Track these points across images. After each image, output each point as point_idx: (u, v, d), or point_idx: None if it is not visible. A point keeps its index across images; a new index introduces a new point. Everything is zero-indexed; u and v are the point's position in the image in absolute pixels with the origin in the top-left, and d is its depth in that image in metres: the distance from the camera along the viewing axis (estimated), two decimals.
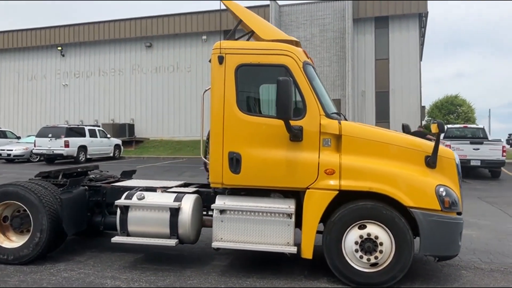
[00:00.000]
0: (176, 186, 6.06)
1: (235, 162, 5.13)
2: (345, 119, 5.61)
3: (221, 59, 5.22)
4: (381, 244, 4.86)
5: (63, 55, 35.79)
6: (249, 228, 5.12)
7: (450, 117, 26.64)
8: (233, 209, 5.16)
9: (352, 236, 4.93)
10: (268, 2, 28.84)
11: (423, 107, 30.33)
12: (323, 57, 28.22)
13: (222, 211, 5.18)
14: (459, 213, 5.05)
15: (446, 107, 27.64)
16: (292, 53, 5.16)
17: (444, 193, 4.87)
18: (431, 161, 5.05)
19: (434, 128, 5.00)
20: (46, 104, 36.22)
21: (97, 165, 7.34)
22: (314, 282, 5.11)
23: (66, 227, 5.56)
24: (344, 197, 5.01)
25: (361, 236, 4.90)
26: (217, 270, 5.47)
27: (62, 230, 5.61)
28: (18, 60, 37.22)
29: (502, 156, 15.72)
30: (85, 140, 23.08)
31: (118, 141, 26.66)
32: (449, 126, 18.77)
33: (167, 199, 5.42)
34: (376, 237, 4.87)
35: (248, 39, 6.27)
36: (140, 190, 5.66)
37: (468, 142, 15.91)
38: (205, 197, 5.74)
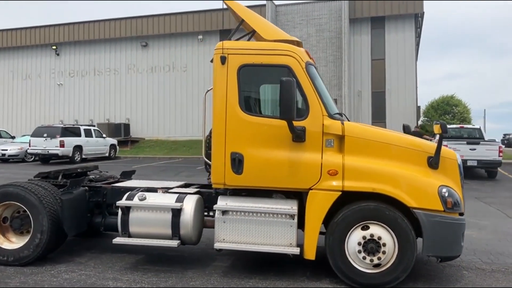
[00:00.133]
0: (177, 187, 6.02)
1: (237, 162, 5.10)
2: (347, 120, 5.61)
3: (223, 59, 5.20)
4: (384, 245, 4.86)
5: (57, 54, 35.60)
6: (252, 229, 5.10)
7: (446, 117, 26.75)
8: (235, 210, 5.14)
9: (355, 237, 4.92)
10: (264, 2, 28.83)
11: (418, 107, 30.44)
12: (320, 57, 28.25)
13: (224, 212, 5.16)
14: (461, 214, 5.05)
15: (442, 108, 27.75)
16: (294, 54, 5.15)
17: (446, 194, 4.87)
18: (433, 162, 5.05)
19: (437, 129, 5.00)
20: (41, 103, 36.01)
21: (96, 165, 7.29)
22: (316, 283, 5.10)
23: (67, 228, 5.52)
24: (346, 198, 5.00)
25: (364, 237, 4.89)
26: (219, 271, 5.44)
27: (63, 231, 5.57)
28: (12, 59, 36.98)
29: (499, 156, 15.80)
30: (81, 140, 22.96)
31: (113, 141, 26.55)
32: None
33: (169, 200, 5.39)
34: (379, 238, 4.86)
35: (248, 39, 6.25)
36: (141, 191, 5.62)
37: (465, 142, 15.97)
38: (206, 198, 5.71)
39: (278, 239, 5.07)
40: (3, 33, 36.70)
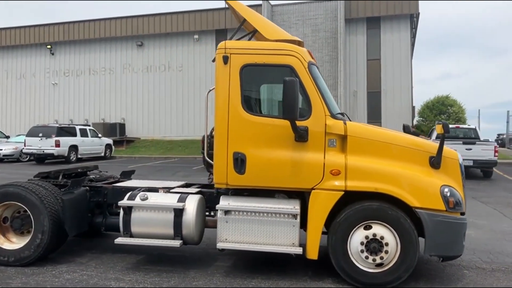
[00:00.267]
0: (178, 187, 6.01)
1: (240, 162, 5.10)
2: (349, 119, 5.62)
3: (226, 59, 5.19)
4: (386, 244, 4.88)
5: (52, 54, 35.39)
6: (254, 228, 5.10)
7: (441, 117, 26.84)
8: (238, 209, 5.13)
9: (358, 237, 4.94)
10: (260, 2, 28.82)
11: (413, 107, 30.52)
12: (315, 57, 27.96)
13: (226, 212, 5.15)
14: (462, 213, 5.08)
15: (437, 108, 27.85)
16: (297, 53, 5.15)
17: (448, 194, 4.89)
18: (435, 162, 5.08)
19: (439, 129, 5.02)
20: (35, 103, 35.79)
21: (96, 165, 7.26)
22: (319, 282, 5.11)
23: (68, 228, 5.50)
24: (348, 198, 5.01)
25: (366, 237, 4.91)
26: (221, 271, 5.44)
27: (63, 231, 5.54)
28: (6, 59, 36.70)
29: (494, 156, 15.89)
30: (76, 140, 22.86)
31: (109, 140, 26.45)
32: None
33: (171, 200, 5.38)
34: (382, 238, 4.88)
35: (249, 39, 6.25)
36: (143, 191, 5.61)
37: (461, 142, 16.03)
38: (208, 198, 5.71)
39: (281, 239, 5.07)
40: None
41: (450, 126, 20.24)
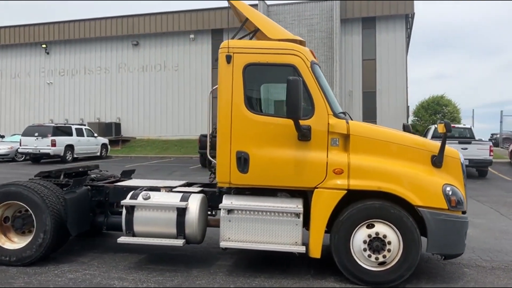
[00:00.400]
0: (180, 186, 6.01)
1: (243, 161, 5.11)
2: (351, 119, 5.64)
3: (228, 58, 5.19)
4: (389, 243, 4.91)
5: (47, 53, 35.21)
6: (257, 227, 5.11)
7: (436, 117, 26.98)
8: (241, 208, 5.14)
9: (361, 235, 4.96)
10: (256, 2, 28.82)
11: (407, 107, 30.65)
12: None
13: (229, 211, 5.16)
14: (463, 212, 5.13)
15: (432, 107, 27.99)
16: (300, 53, 5.17)
17: (450, 192, 4.93)
18: (437, 161, 5.11)
19: (441, 128, 5.06)
20: (30, 102, 35.60)
21: (97, 164, 7.25)
22: (322, 281, 5.13)
23: (71, 227, 5.49)
24: (350, 197, 5.03)
25: (369, 235, 4.93)
26: (224, 270, 5.45)
27: (65, 230, 5.53)
28: (0, 58, 36.49)
29: (490, 155, 15.99)
30: (72, 139, 22.76)
31: (105, 140, 26.36)
32: (436, 126, 18.99)
33: (174, 199, 5.38)
34: (385, 236, 4.91)
35: (250, 39, 6.27)
36: (145, 190, 5.60)
37: (457, 142, 16.11)
38: (210, 197, 5.71)
39: (284, 238, 5.08)
40: None
41: None
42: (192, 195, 5.46)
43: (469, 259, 6.11)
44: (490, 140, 24.17)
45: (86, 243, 6.59)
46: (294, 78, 4.72)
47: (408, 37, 32.30)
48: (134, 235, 5.34)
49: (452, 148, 5.35)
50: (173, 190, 5.72)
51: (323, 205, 5.01)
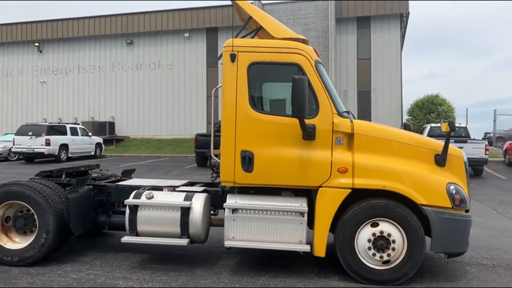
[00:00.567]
0: (182, 185, 5.99)
1: (247, 160, 5.10)
2: (354, 117, 5.65)
3: (233, 57, 5.18)
4: (393, 241, 4.93)
5: (40, 51, 34.90)
6: (262, 227, 5.10)
7: (431, 116, 27.14)
8: (245, 208, 5.13)
9: (365, 234, 4.98)
10: (251, 1, 28.81)
11: (401, 106, 30.77)
12: None
13: (234, 210, 5.15)
14: (467, 211, 5.16)
15: (427, 107, 28.13)
16: (304, 52, 5.17)
17: (454, 191, 4.96)
18: (441, 160, 5.14)
19: (444, 127, 5.08)
20: (23, 101, 35.26)
21: (98, 163, 7.20)
22: (326, 280, 5.14)
23: (73, 227, 5.45)
24: (355, 195, 5.04)
25: (374, 234, 4.95)
26: (228, 269, 5.44)
27: (68, 230, 5.50)
28: None
29: (485, 154, 16.10)
30: (67, 139, 22.60)
31: (99, 139, 26.21)
32: (432, 125, 19.10)
33: (177, 198, 5.36)
34: (389, 235, 4.92)
35: (252, 38, 6.25)
36: (147, 189, 5.58)
37: (453, 140, 16.12)
38: (213, 196, 5.70)
39: (288, 237, 5.08)
40: None
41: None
42: (196, 194, 5.44)
43: (470, 257, 6.15)
44: (483, 139, 24.33)
45: (87, 242, 6.55)
46: (300, 77, 4.72)
47: (403, 36, 32.44)
48: (137, 234, 5.32)
49: (455, 147, 5.38)
50: (176, 189, 5.69)
51: (328, 204, 5.01)
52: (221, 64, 5.35)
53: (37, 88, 35.05)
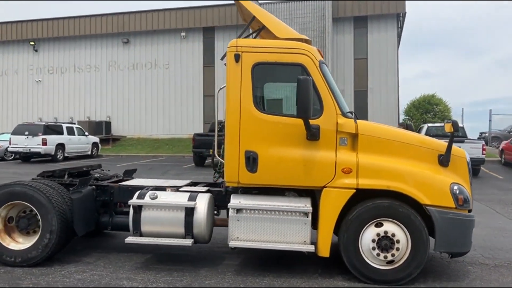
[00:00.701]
0: (185, 185, 5.98)
1: (251, 161, 5.10)
2: (357, 118, 5.66)
3: (237, 57, 5.17)
4: (397, 241, 4.94)
5: (36, 50, 34.69)
6: (266, 227, 5.11)
7: (427, 115, 27.25)
8: (249, 208, 5.14)
9: (369, 234, 4.99)
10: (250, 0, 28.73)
11: (398, 106, 30.87)
12: None
13: (238, 210, 5.15)
14: (469, 211, 5.19)
15: (424, 106, 28.24)
16: (309, 52, 5.17)
17: (457, 191, 4.99)
18: (444, 160, 5.17)
19: (448, 127, 5.11)
20: (18, 100, 35.03)
21: (100, 163, 7.19)
22: (330, 280, 5.15)
23: (77, 227, 5.44)
24: (358, 196, 5.06)
25: (378, 234, 4.97)
26: (231, 270, 5.44)
27: (71, 230, 5.49)
28: None
29: (482, 154, 16.17)
30: (63, 138, 22.49)
31: (95, 139, 26.11)
32: (429, 124, 19.18)
33: (181, 199, 5.36)
34: (393, 235, 4.94)
35: (254, 38, 6.26)
36: (151, 190, 5.57)
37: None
38: (216, 196, 5.70)
39: (293, 237, 5.09)
40: None
41: (439, 124, 20.55)
42: (200, 194, 5.44)
43: (472, 257, 6.18)
44: (479, 138, 24.45)
45: (88, 243, 6.53)
46: (305, 78, 4.73)
47: (399, 36, 32.53)
48: (141, 235, 5.31)
49: (458, 147, 5.41)
50: (180, 189, 5.69)
51: (332, 204, 5.03)
52: (225, 64, 5.35)
53: (32, 87, 34.83)
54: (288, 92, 5.56)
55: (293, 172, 5.09)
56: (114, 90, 33.41)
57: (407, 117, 29.20)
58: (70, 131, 23.28)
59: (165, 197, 5.37)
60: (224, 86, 5.36)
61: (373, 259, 4.99)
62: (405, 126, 7.08)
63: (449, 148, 5.16)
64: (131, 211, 5.33)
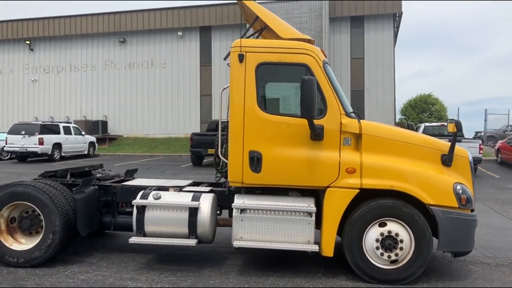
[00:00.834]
0: (188, 185, 5.98)
1: (255, 161, 5.11)
2: (360, 118, 5.68)
3: (241, 58, 5.17)
4: (401, 241, 4.97)
5: (31, 50, 34.52)
6: (270, 227, 5.12)
7: (424, 115, 27.35)
8: (253, 208, 5.14)
9: (373, 234, 5.01)
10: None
11: (394, 106, 30.98)
12: None
13: (242, 210, 5.15)
14: (472, 210, 5.21)
15: (420, 106, 28.33)
16: (313, 52, 5.18)
17: (460, 191, 5.02)
18: (447, 160, 5.19)
19: (451, 127, 5.13)
20: (14, 100, 34.87)
21: (101, 163, 7.17)
22: (334, 280, 5.17)
23: (80, 228, 5.42)
24: (362, 196, 5.07)
25: (382, 234, 4.99)
26: (235, 270, 5.44)
27: (74, 231, 5.46)
28: None
29: (479, 153, 16.25)
30: (60, 138, 22.39)
31: (92, 138, 26.02)
32: (426, 124, 19.24)
33: (185, 199, 5.35)
34: (397, 235, 4.96)
35: (256, 38, 6.26)
36: (154, 190, 5.56)
37: (447, 140, 16.29)
38: (219, 196, 5.70)
39: (296, 237, 5.10)
40: None
41: (435, 124, 20.60)
42: (203, 194, 5.44)
43: (474, 256, 6.21)
44: (474, 138, 24.55)
45: (90, 243, 6.51)
46: (309, 78, 4.74)
47: (395, 36, 32.62)
48: (145, 235, 5.30)
49: (461, 148, 5.43)
50: (183, 189, 5.68)
51: (336, 204, 5.04)
52: (228, 64, 5.35)
53: (28, 86, 34.65)
54: (292, 92, 5.56)
55: (297, 172, 5.10)
56: (111, 89, 33.31)
57: (404, 116, 29.28)
58: (67, 131, 23.20)
59: (168, 197, 5.36)
60: (228, 86, 5.36)
61: (377, 258, 5.01)
62: (406, 126, 7.09)
63: (452, 148, 5.18)
64: (135, 211, 5.32)
